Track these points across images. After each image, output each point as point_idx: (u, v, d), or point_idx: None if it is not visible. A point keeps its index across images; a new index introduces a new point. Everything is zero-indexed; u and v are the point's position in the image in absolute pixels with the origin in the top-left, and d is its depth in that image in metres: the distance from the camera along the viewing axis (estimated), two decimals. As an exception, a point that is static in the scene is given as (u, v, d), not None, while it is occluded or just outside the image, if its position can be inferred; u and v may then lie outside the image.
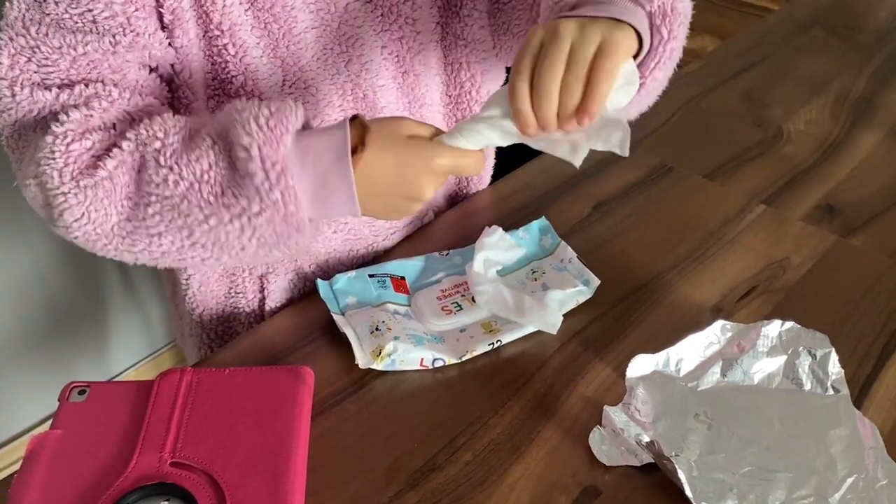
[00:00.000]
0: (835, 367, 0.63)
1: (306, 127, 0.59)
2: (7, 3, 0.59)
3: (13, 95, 0.59)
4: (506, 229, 0.78)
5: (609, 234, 0.83)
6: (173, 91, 0.68)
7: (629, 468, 0.60)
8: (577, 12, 0.58)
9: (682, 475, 0.55)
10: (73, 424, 0.60)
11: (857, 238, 0.84)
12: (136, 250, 0.59)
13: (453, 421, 0.64)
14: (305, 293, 0.79)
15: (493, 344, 0.69)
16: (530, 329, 0.70)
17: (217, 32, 0.66)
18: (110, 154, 0.57)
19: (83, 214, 0.57)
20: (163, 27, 0.64)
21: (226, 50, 0.67)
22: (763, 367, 0.64)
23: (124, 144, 0.57)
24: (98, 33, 0.60)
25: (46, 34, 0.58)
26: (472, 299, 0.73)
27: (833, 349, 0.63)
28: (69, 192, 0.56)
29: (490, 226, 0.78)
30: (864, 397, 0.66)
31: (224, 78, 0.68)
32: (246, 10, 0.67)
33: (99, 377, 1.46)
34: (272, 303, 0.81)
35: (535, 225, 0.81)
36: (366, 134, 0.57)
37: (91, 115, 0.58)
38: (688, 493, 0.55)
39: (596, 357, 0.69)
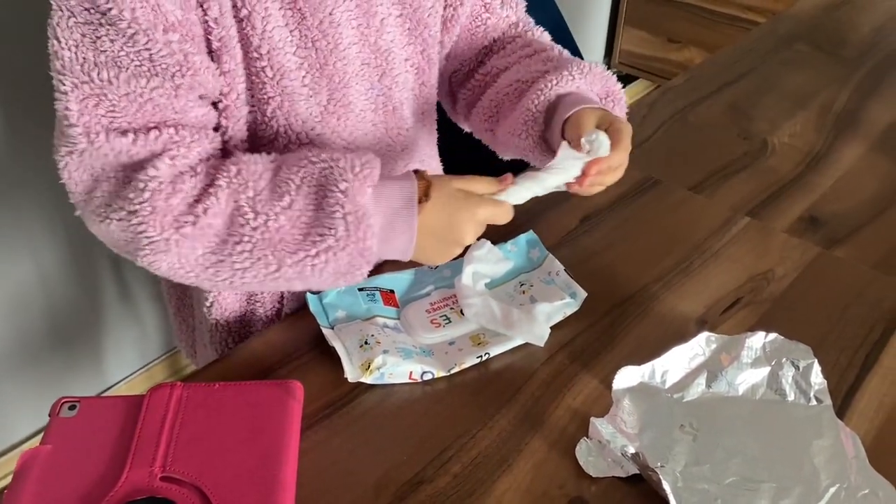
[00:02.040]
0: (818, 377, 0.64)
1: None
2: (55, 41, 0.59)
3: (91, 142, 0.60)
4: (494, 242, 0.79)
5: (596, 247, 0.84)
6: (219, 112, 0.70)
7: (615, 479, 0.61)
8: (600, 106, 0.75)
9: (667, 486, 0.56)
10: (64, 439, 0.60)
11: (840, 249, 0.85)
12: (217, 280, 0.65)
13: (442, 433, 0.64)
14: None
15: (481, 357, 0.70)
16: (518, 341, 0.71)
17: (256, 55, 0.68)
18: (207, 201, 0.61)
19: (176, 255, 0.62)
20: (210, 54, 0.65)
21: (264, 72, 0.69)
22: (747, 378, 0.65)
23: (220, 193, 0.62)
24: (158, 76, 0.61)
25: (110, 81, 0.60)
26: (461, 312, 0.73)
27: (816, 360, 0.64)
28: (170, 239, 0.61)
29: (479, 238, 0.79)
30: (846, 407, 0.67)
31: (261, 98, 0.70)
32: (292, 31, 0.69)
33: (92, 389, 1.47)
34: (288, 308, 0.84)
35: (523, 238, 0.82)
36: (429, 187, 0.66)
37: (174, 164, 0.62)
38: (673, 503, 0.56)
39: (583, 369, 0.70)
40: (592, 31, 2.39)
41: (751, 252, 0.85)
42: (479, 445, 0.64)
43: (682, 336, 0.70)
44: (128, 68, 0.60)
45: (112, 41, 0.59)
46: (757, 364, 0.65)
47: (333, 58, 0.71)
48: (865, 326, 0.75)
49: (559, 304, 0.74)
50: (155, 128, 0.62)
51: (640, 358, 0.64)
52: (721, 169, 0.98)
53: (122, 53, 0.60)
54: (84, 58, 0.59)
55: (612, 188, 0.75)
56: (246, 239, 0.62)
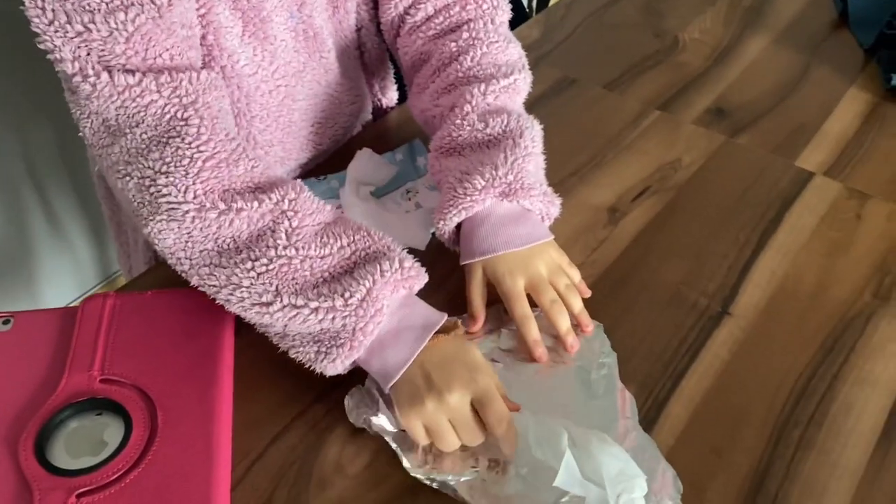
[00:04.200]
0: (604, 345, 0.66)
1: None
2: (24, 5, 0.56)
3: (93, 86, 0.57)
4: (380, 152, 0.81)
5: (514, 146, 0.87)
6: None
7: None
8: (511, 247, 0.66)
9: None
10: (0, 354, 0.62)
11: (743, 137, 0.90)
12: (206, 281, 0.60)
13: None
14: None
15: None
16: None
17: None
18: (244, 202, 0.58)
19: (188, 232, 0.59)
20: None
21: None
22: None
23: (264, 205, 0.59)
24: (134, 5, 0.57)
25: (87, 28, 0.56)
26: None
27: (602, 326, 0.68)
28: (189, 211, 0.58)
29: (361, 148, 0.80)
30: (742, 280, 0.73)
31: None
32: None
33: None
34: None
35: (410, 146, 0.84)
36: (454, 330, 0.61)
37: (202, 124, 0.59)
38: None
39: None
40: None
41: (660, 143, 0.89)
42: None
43: (594, 224, 0.75)
44: (98, 10, 0.57)
45: None
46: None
47: None
48: (763, 206, 0.81)
49: None
50: (161, 71, 0.59)
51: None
52: (634, 66, 1.01)
53: None
54: (53, 9, 0.56)
55: (531, 88, 0.78)
56: (262, 262, 0.58)
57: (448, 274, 0.72)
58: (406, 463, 0.57)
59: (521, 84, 0.75)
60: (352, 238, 0.61)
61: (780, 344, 0.67)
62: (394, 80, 0.94)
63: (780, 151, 0.88)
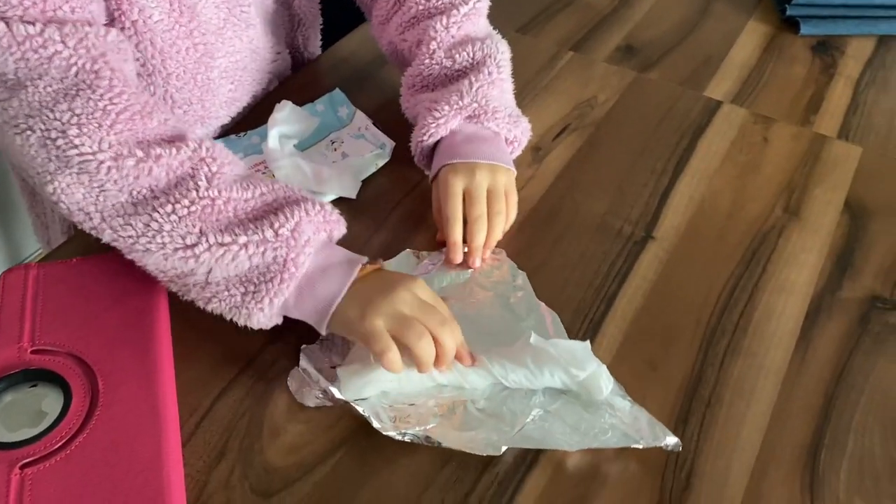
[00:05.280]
0: (513, 269, 0.68)
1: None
2: None
3: None
4: (301, 105, 0.80)
5: (434, 93, 0.87)
6: None
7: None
8: (468, 158, 0.69)
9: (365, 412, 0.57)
10: (-81, 333, 0.59)
11: (653, 72, 0.93)
12: (122, 234, 0.58)
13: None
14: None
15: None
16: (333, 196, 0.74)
17: None
18: (162, 150, 0.57)
19: (100, 185, 0.56)
20: None
21: None
22: (453, 279, 0.68)
23: (182, 152, 0.58)
24: None
25: None
26: (273, 176, 0.74)
27: (504, 252, 0.69)
28: (105, 161, 0.56)
29: (282, 101, 0.79)
30: (663, 205, 0.76)
31: None
32: None
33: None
34: None
35: (331, 97, 0.83)
36: (380, 270, 0.61)
37: (113, 76, 0.57)
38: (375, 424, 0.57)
39: (421, 204, 0.75)
40: None
41: (575, 83, 0.91)
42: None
43: (518, 164, 0.76)
44: None
45: None
46: (459, 268, 0.68)
47: None
48: (677, 135, 0.84)
49: (370, 157, 0.77)
50: (63, 22, 0.57)
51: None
52: (545, 9, 1.03)
53: None
54: None
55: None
56: (183, 203, 0.57)
57: (379, 226, 0.73)
58: (376, 424, 0.56)
59: (481, 6, 0.77)
60: (271, 187, 0.61)
61: (703, 261, 0.71)
62: (319, 34, 0.93)
63: (688, 83, 0.92)
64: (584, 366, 0.57)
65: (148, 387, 0.56)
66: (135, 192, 0.57)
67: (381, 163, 0.78)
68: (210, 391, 0.60)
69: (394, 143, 0.79)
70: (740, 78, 0.93)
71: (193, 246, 0.57)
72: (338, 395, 0.58)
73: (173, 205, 0.57)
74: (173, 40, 0.69)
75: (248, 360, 0.62)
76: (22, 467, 0.52)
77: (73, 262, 0.64)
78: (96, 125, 0.56)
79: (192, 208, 0.57)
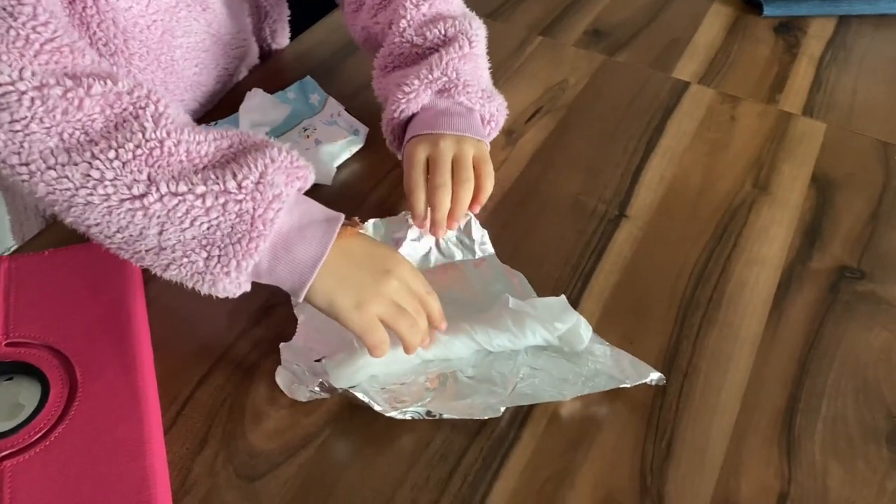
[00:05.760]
0: (478, 231, 0.68)
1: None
2: None
3: None
4: (272, 93, 0.80)
5: (406, 79, 0.88)
6: None
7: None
8: (436, 129, 0.67)
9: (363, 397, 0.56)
10: None
11: (621, 55, 0.94)
12: (58, 188, 0.50)
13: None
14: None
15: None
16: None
17: None
18: (94, 79, 0.50)
19: (25, 125, 0.49)
20: None
21: None
22: (417, 251, 0.68)
23: (119, 85, 0.51)
24: None
25: None
26: None
27: (472, 216, 0.68)
28: (27, 91, 0.49)
29: (253, 89, 0.79)
30: (635, 183, 0.77)
31: None
32: None
33: None
34: None
35: (302, 84, 0.83)
36: (356, 227, 0.58)
37: (38, 4, 0.50)
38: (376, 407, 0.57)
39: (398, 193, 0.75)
40: None
41: (546, 67, 0.92)
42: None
43: (492, 148, 0.77)
44: None
45: None
46: (422, 237, 0.68)
47: None
48: (647, 116, 0.85)
49: (343, 143, 0.77)
50: None
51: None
52: (512, -4, 1.04)
53: None
54: None
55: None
56: (128, 147, 0.50)
57: (354, 211, 0.73)
58: (378, 408, 0.56)
59: None
60: (227, 133, 0.55)
61: (675, 237, 0.72)
62: (287, 25, 0.93)
63: (656, 65, 0.93)
64: (564, 319, 0.59)
65: (127, 376, 0.56)
66: (66, 135, 0.50)
67: (354, 149, 0.78)
68: (190, 379, 0.59)
69: (367, 129, 0.79)
70: (707, 59, 0.94)
71: (142, 196, 0.50)
72: (335, 384, 0.57)
73: (116, 150, 0.50)
74: (135, 19, 0.68)
75: (226, 346, 0.62)
76: (1, 459, 0.51)
77: (45, 255, 0.63)
78: (17, 54, 0.49)
79: (138, 152, 0.50)
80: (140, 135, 0.51)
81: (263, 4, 0.86)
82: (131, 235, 0.52)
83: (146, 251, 0.53)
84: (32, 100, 0.49)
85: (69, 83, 0.50)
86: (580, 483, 0.54)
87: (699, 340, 0.64)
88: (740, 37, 0.99)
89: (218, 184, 0.51)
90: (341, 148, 0.77)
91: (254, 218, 0.52)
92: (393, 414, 0.56)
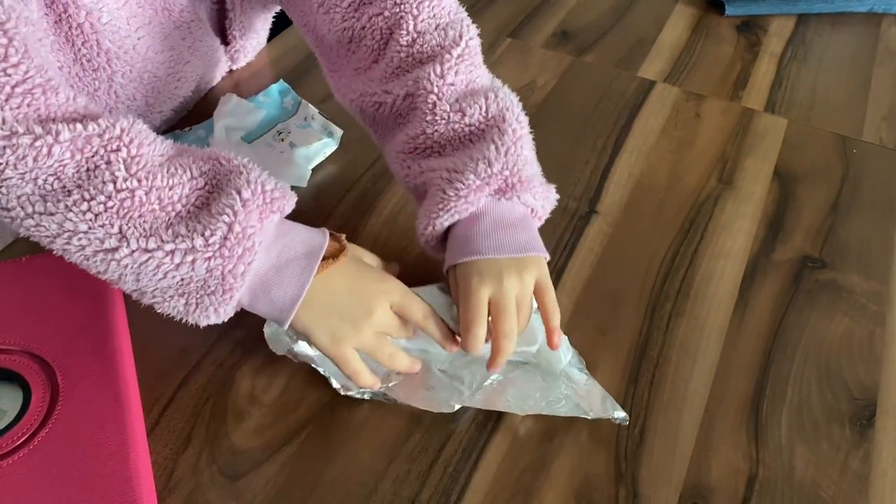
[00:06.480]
0: None
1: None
2: None
3: None
4: (245, 97, 0.81)
5: (378, 82, 0.89)
6: None
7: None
8: (500, 254, 0.58)
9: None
10: None
11: (589, 56, 0.97)
12: (37, 234, 0.51)
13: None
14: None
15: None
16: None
17: None
18: (64, 125, 0.49)
19: (0, 167, 0.49)
20: None
21: None
22: None
23: (90, 128, 0.50)
24: None
25: None
26: None
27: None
28: None
29: (227, 94, 0.80)
30: (605, 180, 0.79)
31: None
32: None
33: None
34: None
35: (275, 88, 0.84)
36: (343, 252, 0.56)
37: (10, 45, 0.49)
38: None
39: (387, 183, 0.76)
40: None
41: (515, 68, 0.93)
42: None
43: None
44: None
45: None
46: None
47: None
48: (614, 115, 0.87)
49: (318, 145, 0.78)
50: None
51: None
52: (481, -2, 1.05)
53: None
54: None
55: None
56: (99, 199, 0.50)
57: (330, 213, 0.74)
58: (335, 384, 0.58)
59: (473, 44, 0.63)
60: (202, 167, 0.54)
61: (644, 231, 0.74)
62: (255, 54, 0.93)
63: (622, 65, 0.95)
64: (532, 340, 0.60)
65: (109, 379, 0.57)
66: (40, 181, 0.50)
67: (329, 151, 0.79)
68: (171, 380, 0.60)
69: (341, 131, 0.80)
70: (671, 58, 0.97)
71: (114, 250, 0.51)
72: (309, 350, 0.58)
73: (88, 202, 0.50)
74: (121, 41, 0.69)
75: (207, 347, 0.62)
76: (-16, 465, 0.51)
77: (23, 261, 0.64)
78: None
79: (110, 203, 0.50)
80: (111, 185, 0.50)
81: (232, 32, 0.86)
82: (111, 279, 0.53)
83: (130, 291, 0.54)
84: (3, 148, 0.49)
85: (38, 130, 0.49)
86: (557, 471, 0.56)
87: (669, 331, 0.66)
88: (704, 36, 1.01)
89: (185, 241, 0.51)
90: (316, 150, 0.78)
91: (224, 274, 0.52)
92: (352, 393, 0.58)
